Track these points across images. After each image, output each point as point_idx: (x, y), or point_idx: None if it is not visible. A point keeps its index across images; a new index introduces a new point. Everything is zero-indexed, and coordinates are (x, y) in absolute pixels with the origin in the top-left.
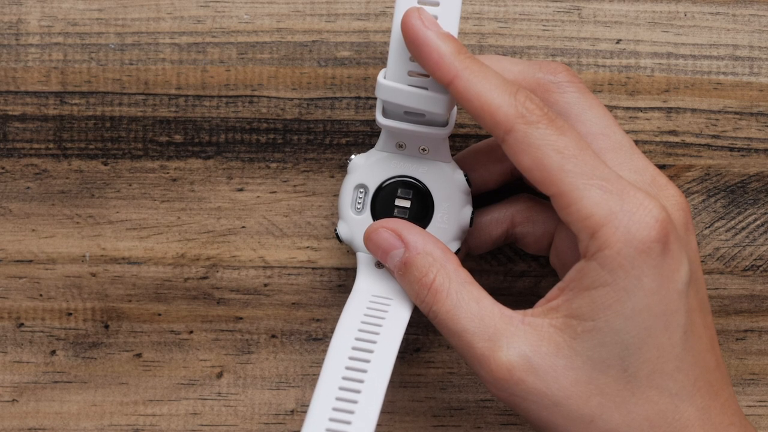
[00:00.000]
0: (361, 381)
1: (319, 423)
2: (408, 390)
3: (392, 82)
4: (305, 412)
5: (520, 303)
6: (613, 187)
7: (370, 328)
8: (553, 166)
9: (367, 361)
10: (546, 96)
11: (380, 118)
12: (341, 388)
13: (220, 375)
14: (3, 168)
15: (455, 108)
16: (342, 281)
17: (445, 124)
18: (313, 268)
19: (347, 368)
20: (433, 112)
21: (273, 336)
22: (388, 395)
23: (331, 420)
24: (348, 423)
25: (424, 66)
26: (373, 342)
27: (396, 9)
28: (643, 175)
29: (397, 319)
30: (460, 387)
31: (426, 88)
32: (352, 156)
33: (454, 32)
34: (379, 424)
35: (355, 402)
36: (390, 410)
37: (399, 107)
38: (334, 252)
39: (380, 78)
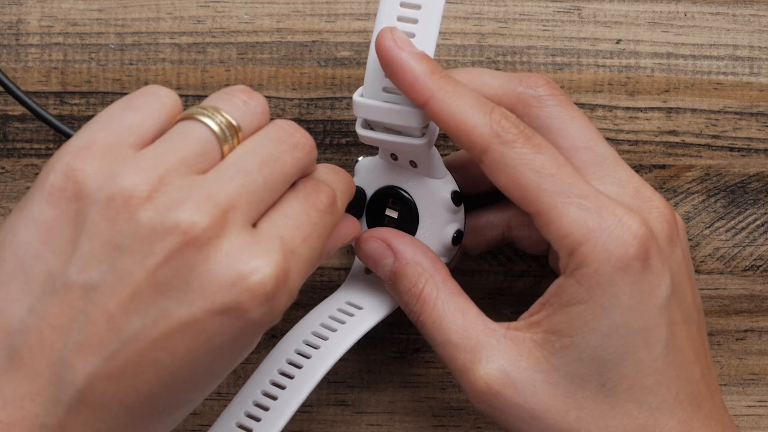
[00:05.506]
0: (292, 376)
1: (238, 410)
2: (408, 390)
3: (367, 100)
4: (304, 412)
5: (520, 303)
6: (591, 204)
7: (323, 332)
8: (531, 186)
9: (299, 367)
10: (527, 111)
11: (359, 130)
12: (272, 382)
13: None
14: (3, 168)
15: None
16: (342, 281)
17: (420, 136)
18: None
19: (279, 372)
20: (409, 126)
21: (273, 336)
22: (388, 395)
23: (255, 404)
24: (267, 409)
25: (398, 87)
26: (316, 348)
27: (376, 26)
28: (627, 188)
29: (353, 328)
30: (460, 387)
31: (399, 104)
32: (360, 158)
33: (431, 50)
34: (378, 424)
35: (276, 398)
36: (390, 410)
37: (376, 123)
38: (335, 252)
39: (356, 96)
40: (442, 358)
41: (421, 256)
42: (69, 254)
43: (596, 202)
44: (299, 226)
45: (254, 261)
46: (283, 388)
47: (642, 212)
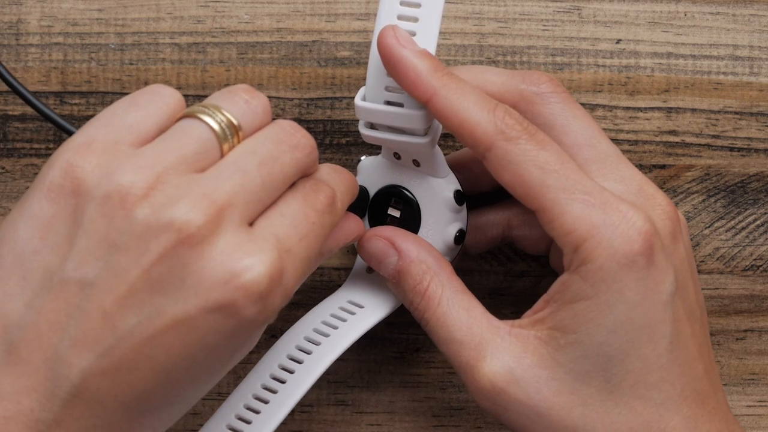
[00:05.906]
0: (292, 371)
1: (237, 403)
2: (408, 390)
3: (369, 104)
4: (304, 411)
5: (520, 303)
6: (595, 200)
7: (325, 329)
8: (535, 182)
9: (300, 362)
10: (530, 108)
11: (362, 129)
12: (272, 376)
13: None
14: (3, 168)
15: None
16: (342, 281)
17: (424, 135)
18: None
19: (279, 366)
20: (412, 128)
21: (273, 336)
22: (388, 395)
23: (255, 397)
24: (267, 402)
25: (401, 85)
26: (317, 344)
27: (376, 25)
28: (630, 185)
29: (354, 326)
30: (460, 387)
31: (402, 105)
32: (362, 157)
33: (432, 48)
34: (378, 424)
35: (276, 391)
36: (390, 410)
37: (379, 125)
38: (337, 250)
39: (357, 100)
40: (446, 356)
41: (426, 254)
42: (66, 250)
43: (600, 198)
44: (296, 225)
45: (248, 259)
46: (283, 382)
47: (645, 209)
